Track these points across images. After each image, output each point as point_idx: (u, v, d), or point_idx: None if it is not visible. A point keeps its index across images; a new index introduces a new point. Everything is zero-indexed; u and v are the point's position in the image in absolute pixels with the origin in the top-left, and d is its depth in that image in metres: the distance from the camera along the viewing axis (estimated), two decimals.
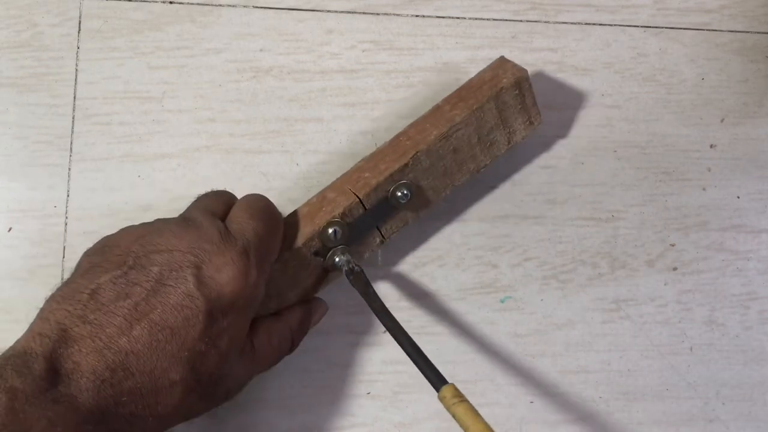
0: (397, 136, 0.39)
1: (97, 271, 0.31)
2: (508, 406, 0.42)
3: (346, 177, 0.38)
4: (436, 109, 0.39)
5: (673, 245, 0.43)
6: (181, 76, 0.41)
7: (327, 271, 0.38)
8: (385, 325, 0.35)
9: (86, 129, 0.41)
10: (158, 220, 0.34)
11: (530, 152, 0.43)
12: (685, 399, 0.43)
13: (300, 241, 0.37)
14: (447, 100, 0.39)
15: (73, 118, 0.41)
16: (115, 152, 0.41)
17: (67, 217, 0.40)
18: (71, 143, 0.41)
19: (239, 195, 0.41)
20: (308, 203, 0.38)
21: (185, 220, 0.34)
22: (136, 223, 0.38)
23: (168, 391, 0.30)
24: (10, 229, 0.40)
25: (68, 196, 0.40)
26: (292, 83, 0.42)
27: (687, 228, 0.44)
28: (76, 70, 0.41)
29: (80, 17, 0.41)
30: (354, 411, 0.41)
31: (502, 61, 0.40)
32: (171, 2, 0.42)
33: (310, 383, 0.41)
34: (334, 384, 0.41)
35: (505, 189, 0.42)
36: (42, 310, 0.30)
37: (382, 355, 0.42)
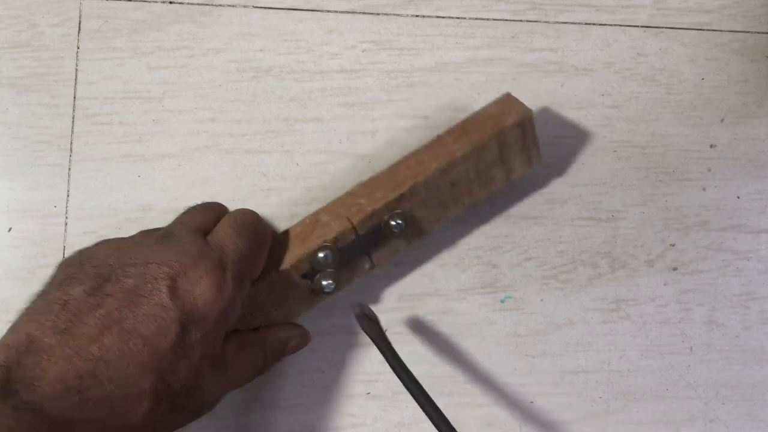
0: (396, 165, 0.39)
1: (71, 283, 0.31)
2: (508, 406, 0.42)
3: (340, 201, 0.38)
4: (438, 141, 0.39)
5: (673, 245, 0.43)
6: (181, 76, 0.41)
7: (314, 294, 0.38)
8: (400, 379, 0.32)
9: (86, 129, 0.41)
10: (139, 234, 0.34)
11: None
12: (685, 399, 0.43)
13: (289, 262, 0.36)
14: (449, 133, 0.39)
15: (73, 118, 0.41)
16: (115, 152, 0.41)
17: (67, 217, 0.40)
18: (71, 143, 0.41)
19: (239, 195, 0.41)
20: (301, 224, 0.38)
21: (165, 234, 0.34)
22: (136, 222, 0.38)
23: (138, 400, 0.30)
24: (10, 229, 0.40)
25: (68, 196, 0.40)
26: (292, 83, 0.42)
27: (687, 228, 0.44)
28: (76, 70, 0.41)
29: (80, 17, 0.41)
30: (354, 411, 0.41)
31: (508, 97, 0.40)
32: (171, 2, 0.42)
33: (310, 383, 0.41)
34: (334, 384, 0.41)
35: (505, 189, 0.42)
36: (15, 323, 0.30)
37: (381, 355, 0.41)
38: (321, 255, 0.36)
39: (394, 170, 0.38)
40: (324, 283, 0.37)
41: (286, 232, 0.38)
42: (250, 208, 0.37)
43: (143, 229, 0.37)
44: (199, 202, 0.38)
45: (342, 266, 0.37)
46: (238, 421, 0.41)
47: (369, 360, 0.41)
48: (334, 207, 0.38)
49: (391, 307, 0.42)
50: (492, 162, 0.38)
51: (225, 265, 0.33)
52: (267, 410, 0.41)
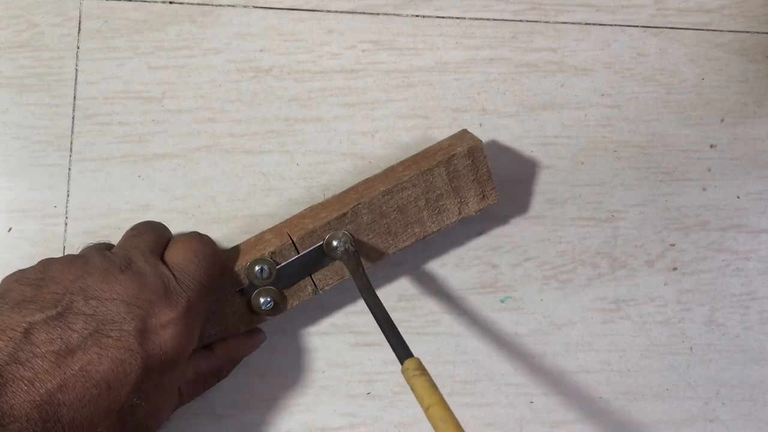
0: (346, 191, 0.39)
1: (31, 308, 0.30)
2: (508, 406, 0.42)
3: (286, 222, 0.38)
4: (389, 170, 0.39)
5: (673, 245, 0.43)
6: (181, 76, 0.41)
7: (252, 312, 0.37)
8: (364, 298, 0.34)
9: (86, 129, 0.41)
10: (97, 254, 0.33)
11: (530, 152, 0.43)
12: (685, 399, 0.43)
13: (226, 276, 0.36)
14: (401, 163, 0.39)
15: (73, 118, 0.41)
16: (115, 152, 0.41)
17: (67, 217, 0.40)
18: (71, 143, 0.41)
19: (239, 195, 0.41)
20: (245, 242, 0.38)
21: (126, 262, 0.32)
22: (135, 223, 0.38)
23: None
24: (10, 229, 0.40)
25: (68, 196, 0.40)
26: (292, 83, 0.42)
27: (687, 228, 0.44)
28: (76, 70, 0.41)
29: (80, 17, 0.41)
30: (354, 411, 0.41)
31: (463, 132, 0.40)
32: (171, 2, 0.42)
33: (310, 383, 0.41)
34: (334, 384, 0.41)
35: (505, 189, 0.42)
36: None
37: (382, 355, 0.42)
38: (257, 268, 0.36)
39: (342, 195, 0.39)
40: (261, 300, 0.36)
41: (233, 249, 0.38)
42: (205, 234, 0.37)
43: None
44: (143, 222, 0.38)
45: (281, 285, 0.37)
46: (238, 421, 0.41)
47: (369, 360, 0.41)
48: (279, 227, 0.38)
49: (391, 307, 0.42)
50: (443, 192, 0.38)
51: (193, 305, 0.32)
52: (266, 410, 0.41)
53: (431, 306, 0.42)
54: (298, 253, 0.37)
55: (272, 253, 0.36)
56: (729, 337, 0.43)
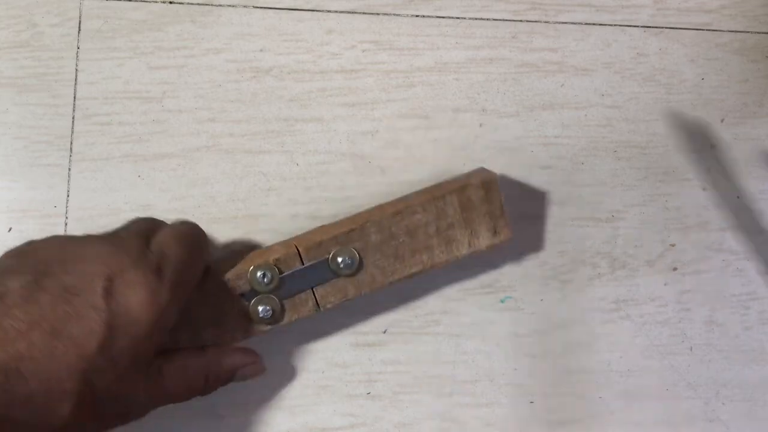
0: (359, 213, 0.39)
1: (10, 276, 0.30)
2: (508, 406, 0.42)
3: (295, 237, 0.39)
4: (404, 197, 0.40)
5: (673, 245, 0.43)
6: (181, 76, 0.41)
7: (250, 319, 0.37)
8: None
9: (86, 129, 0.41)
10: (86, 234, 0.34)
11: (530, 152, 0.43)
12: (685, 399, 0.43)
13: (228, 275, 0.36)
14: (417, 191, 0.40)
15: (73, 118, 0.41)
16: (115, 152, 0.41)
17: (67, 217, 0.40)
18: (71, 143, 0.41)
19: (239, 195, 0.41)
20: (253, 251, 0.38)
21: (109, 234, 0.34)
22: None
23: (60, 402, 0.29)
24: (10, 229, 0.40)
25: (68, 196, 0.40)
26: (292, 83, 0.42)
27: (687, 228, 0.44)
28: (76, 70, 0.41)
29: (80, 17, 0.41)
30: (354, 411, 0.41)
31: (481, 168, 0.40)
32: (171, 2, 0.42)
33: (310, 383, 0.41)
34: (334, 384, 0.41)
35: (505, 189, 0.42)
36: None
37: (382, 355, 0.42)
38: (259, 273, 0.36)
39: (356, 215, 0.39)
40: (260, 308, 0.36)
41: (239, 254, 0.38)
42: (194, 221, 0.38)
43: None
44: (140, 217, 0.38)
45: (283, 296, 0.37)
46: (238, 421, 0.41)
47: (369, 360, 0.42)
48: (288, 240, 0.38)
49: (391, 307, 0.42)
50: (454, 221, 0.38)
51: (163, 270, 0.32)
52: (267, 410, 0.41)
53: (431, 306, 0.42)
54: (303, 264, 0.37)
55: (276, 260, 0.36)
56: (729, 337, 0.43)
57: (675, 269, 0.43)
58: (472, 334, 0.42)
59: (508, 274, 0.42)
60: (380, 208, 0.39)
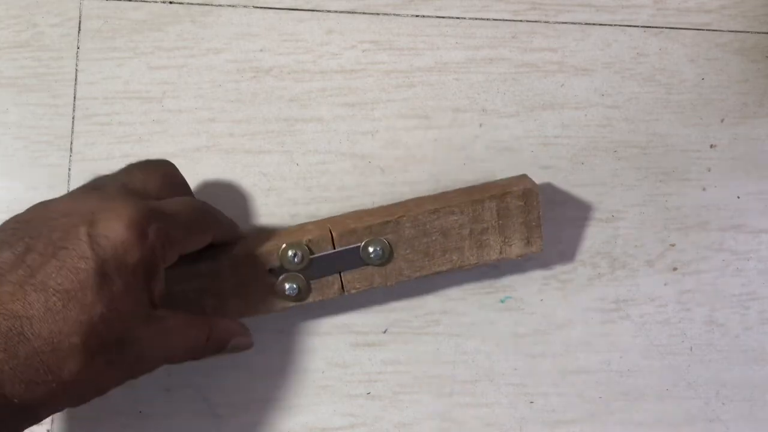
0: (396, 203, 0.40)
1: (1, 247, 0.30)
2: (508, 406, 0.42)
3: (330, 218, 0.39)
4: (442, 193, 0.40)
5: (673, 245, 0.43)
6: (181, 76, 0.41)
7: (276, 295, 0.37)
8: None
9: (86, 129, 0.41)
10: (70, 191, 0.34)
11: (530, 152, 0.43)
12: (685, 399, 0.43)
13: (259, 248, 0.37)
14: (456, 190, 0.40)
15: (73, 118, 0.41)
16: (115, 152, 0.41)
17: None
18: (71, 143, 0.41)
19: (239, 195, 0.41)
20: (287, 228, 0.39)
21: (94, 185, 0.33)
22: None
23: (68, 356, 0.29)
24: None
25: None
26: (292, 83, 0.42)
27: (687, 228, 0.44)
28: (76, 70, 0.41)
29: (80, 17, 0.41)
30: (354, 411, 0.41)
31: (523, 175, 0.41)
32: (171, 2, 0.42)
33: (310, 383, 0.41)
34: (334, 384, 0.41)
35: None
36: None
37: (382, 355, 0.42)
38: (291, 252, 0.37)
39: (392, 206, 0.39)
40: (287, 285, 0.37)
41: (273, 231, 0.38)
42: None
43: None
44: (148, 159, 0.38)
45: (311, 276, 0.37)
46: (238, 421, 0.41)
47: (369, 360, 0.42)
48: (322, 221, 0.39)
49: (392, 307, 0.42)
50: (489, 226, 0.38)
51: (150, 215, 0.32)
52: (267, 410, 0.41)
53: (431, 306, 0.42)
54: (334, 249, 0.37)
55: (309, 241, 0.37)
56: (729, 337, 0.43)
57: (675, 269, 0.43)
58: (472, 334, 0.42)
59: (508, 274, 0.42)
60: (418, 202, 0.39)
